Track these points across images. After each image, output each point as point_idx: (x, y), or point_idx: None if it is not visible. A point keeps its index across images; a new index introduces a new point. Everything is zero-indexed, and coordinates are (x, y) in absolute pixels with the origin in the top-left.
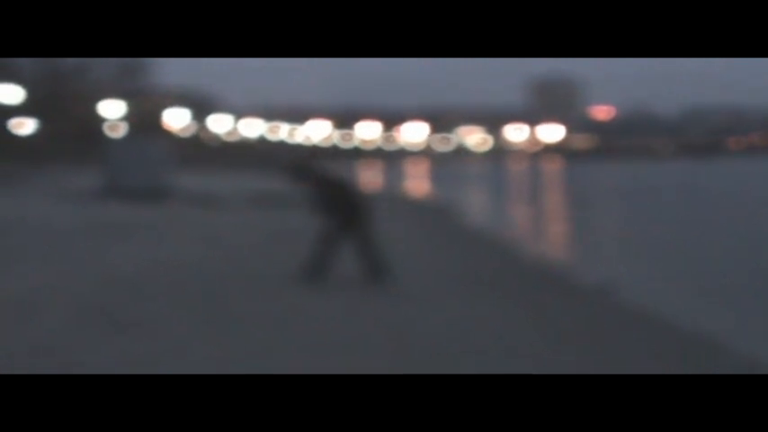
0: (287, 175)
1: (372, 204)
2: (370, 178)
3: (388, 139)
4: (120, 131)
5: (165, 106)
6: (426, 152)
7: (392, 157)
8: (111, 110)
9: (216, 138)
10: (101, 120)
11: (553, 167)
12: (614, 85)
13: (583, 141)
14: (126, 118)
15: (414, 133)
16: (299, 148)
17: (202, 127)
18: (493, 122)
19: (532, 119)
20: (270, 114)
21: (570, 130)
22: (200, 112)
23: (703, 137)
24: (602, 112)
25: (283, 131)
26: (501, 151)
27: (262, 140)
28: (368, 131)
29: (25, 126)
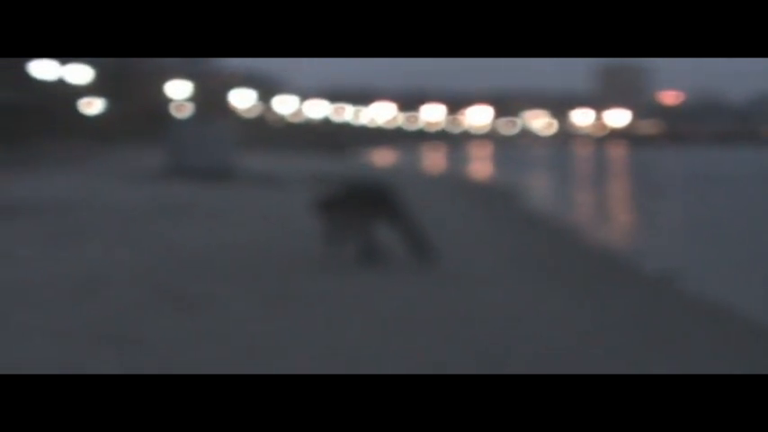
0: (316, 214)
1: (398, 190)
2: (433, 160)
3: (452, 121)
4: (187, 112)
5: (230, 87)
6: (491, 135)
7: (456, 140)
8: (178, 90)
9: (281, 119)
10: (167, 100)
11: (619, 152)
12: (682, 70)
13: (649, 127)
14: (192, 98)
15: (478, 116)
16: (361, 130)
17: (268, 108)
18: (558, 107)
19: (599, 103)
20: (335, 96)
21: (637, 116)
22: (266, 93)
23: None
24: (669, 97)
25: (348, 113)
26: (566, 135)
27: (326, 122)
28: (433, 114)
29: (93, 106)
